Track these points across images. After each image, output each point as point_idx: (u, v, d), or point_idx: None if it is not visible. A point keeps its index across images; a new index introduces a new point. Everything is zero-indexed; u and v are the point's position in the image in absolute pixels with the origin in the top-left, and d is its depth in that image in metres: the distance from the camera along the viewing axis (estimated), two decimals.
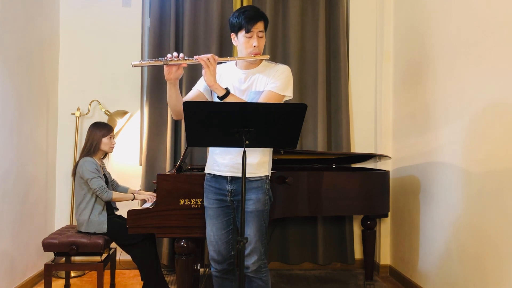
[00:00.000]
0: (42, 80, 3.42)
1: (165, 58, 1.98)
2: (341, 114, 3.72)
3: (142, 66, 1.97)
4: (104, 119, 3.61)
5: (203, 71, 2.01)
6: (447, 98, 2.74)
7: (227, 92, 2.00)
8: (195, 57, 2.01)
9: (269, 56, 2.12)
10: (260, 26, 2.05)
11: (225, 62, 2.26)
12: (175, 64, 1.99)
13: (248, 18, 2.02)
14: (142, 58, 3.69)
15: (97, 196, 2.81)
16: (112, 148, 3.00)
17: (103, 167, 3.00)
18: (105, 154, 3.03)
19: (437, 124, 2.87)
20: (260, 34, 2.06)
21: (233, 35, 2.13)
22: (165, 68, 2.01)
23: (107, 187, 2.88)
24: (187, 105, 1.73)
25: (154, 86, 3.62)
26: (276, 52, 3.73)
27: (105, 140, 2.93)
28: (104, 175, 2.96)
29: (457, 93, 2.63)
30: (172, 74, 2.02)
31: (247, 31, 2.03)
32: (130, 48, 3.71)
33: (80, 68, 3.71)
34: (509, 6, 2.18)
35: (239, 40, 2.09)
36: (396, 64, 3.60)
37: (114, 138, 3.02)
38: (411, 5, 3.32)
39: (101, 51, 3.72)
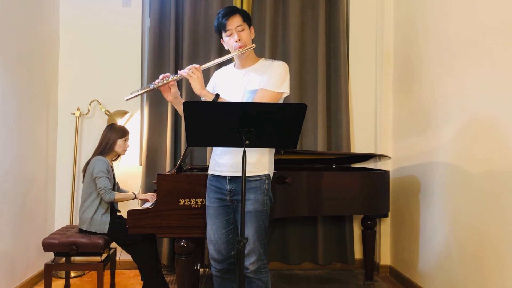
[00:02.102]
0: (42, 80, 3.42)
1: (153, 83, 2.04)
2: (341, 114, 3.72)
3: (134, 97, 2.06)
4: (104, 119, 3.62)
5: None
6: (447, 98, 2.74)
7: (216, 97, 2.01)
8: (178, 72, 2.06)
9: (255, 45, 2.10)
10: (236, 21, 2.06)
11: (226, 66, 2.28)
12: (163, 85, 2.05)
13: (222, 17, 2.06)
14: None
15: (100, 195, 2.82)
16: (125, 151, 3.05)
17: (112, 169, 3.01)
18: (117, 156, 3.06)
19: (437, 124, 2.87)
20: (240, 28, 2.07)
21: (221, 40, 2.16)
22: (162, 93, 2.11)
23: (113, 188, 2.90)
24: (187, 105, 1.73)
25: None
26: (276, 52, 3.73)
27: (120, 142, 2.97)
28: (113, 176, 2.98)
29: (457, 93, 2.63)
30: (169, 96, 2.11)
31: (225, 29, 2.07)
32: (130, 48, 3.72)
33: (80, 68, 3.71)
34: (509, 6, 2.18)
35: (225, 41, 2.12)
36: (396, 64, 3.59)
37: (128, 141, 3.05)
38: (411, 5, 3.32)
39: (101, 51, 3.72)
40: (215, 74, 2.29)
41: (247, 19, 2.11)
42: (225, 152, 2.09)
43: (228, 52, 2.15)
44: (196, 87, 2.00)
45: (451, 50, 2.70)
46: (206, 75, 2.19)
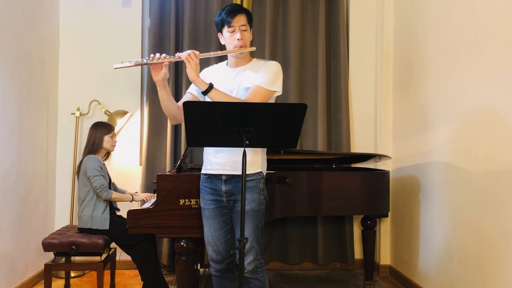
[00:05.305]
0: (42, 80, 3.42)
1: (147, 58, 1.97)
2: (341, 114, 3.72)
3: (124, 68, 1.98)
4: (104, 119, 3.61)
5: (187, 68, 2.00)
6: (447, 98, 2.74)
7: (210, 87, 1.99)
8: (176, 54, 2.01)
9: (255, 48, 2.11)
10: (241, 19, 2.06)
11: (217, 64, 2.28)
12: (157, 63, 1.98)
13: (228, 12, 2.06)
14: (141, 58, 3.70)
15: (97, 194, 2.82)
16: (114, 146, 3.04)
17: (105, 167, 3.01)
18: (107, 154, 3.05)
19: (437, 124, 2.87)
20: (243, 28, 2.07)
21: (219, 35, 2.15)
22: (151, 70, 2.02)
23: (109, 187, 2.90)
24: (187, 105, 1.73)
25: (154, 86, 3.55)
26: (276, 52, 3.73)
27: (106, 138, 2.97)
28: (108, 174, 2.98)
29: (457, 93, 2.63)
30: (158, 76, 2.01)
31: (229, 25, 2.06)
32: (130, 48, 3.72)
33: (80, 68, 3.71)
34: (509, 6, 2.18)
35: (224, 37, 2.11)
36: (396, 64, 3.60)
37: (115, 136, 3.05)
38: (411, 5, 3.32)
39: (101, 51, 3.72)
40: (205, 71, 2.25)
41: (251, 20, 2.13)
42: (219, 150, 2.08)
43: (224, 47, 2.15)
44: (192, 74, 1.97)
45: (452, 50, 2.70)
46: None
